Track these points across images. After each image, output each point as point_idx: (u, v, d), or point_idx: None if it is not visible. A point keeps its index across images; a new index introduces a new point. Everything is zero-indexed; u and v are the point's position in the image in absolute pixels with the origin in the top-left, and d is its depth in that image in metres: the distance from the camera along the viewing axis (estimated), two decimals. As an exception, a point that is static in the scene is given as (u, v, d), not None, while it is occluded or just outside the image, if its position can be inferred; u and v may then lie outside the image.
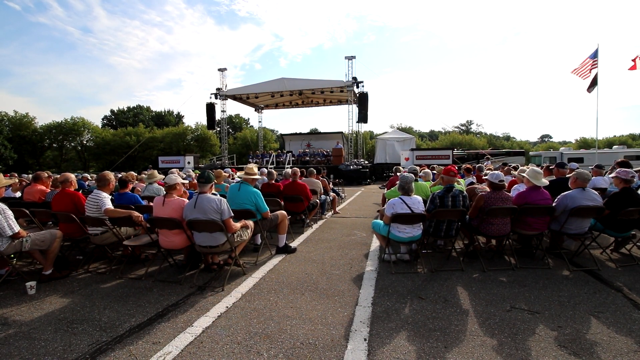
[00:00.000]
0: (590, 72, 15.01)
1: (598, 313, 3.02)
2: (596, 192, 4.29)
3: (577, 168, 5.28)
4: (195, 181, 5.45)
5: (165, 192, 4.21)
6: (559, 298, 3.34)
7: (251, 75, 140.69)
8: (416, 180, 5.54)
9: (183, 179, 6.04)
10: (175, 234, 3.97)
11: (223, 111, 26.35)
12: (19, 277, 4.01)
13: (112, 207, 4.29)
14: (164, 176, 7.13)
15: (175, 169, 8.02)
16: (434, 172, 6.93)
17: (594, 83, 14.98)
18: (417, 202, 4.22)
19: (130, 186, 5.66)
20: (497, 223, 4.24)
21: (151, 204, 4.86)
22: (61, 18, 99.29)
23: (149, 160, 39.53)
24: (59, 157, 46.98)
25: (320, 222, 7.41)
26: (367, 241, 5.71)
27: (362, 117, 21.76)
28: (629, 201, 4.21)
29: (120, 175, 5.95)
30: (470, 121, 73.32)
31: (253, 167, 5.06)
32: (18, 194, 7.08)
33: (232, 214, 3.90)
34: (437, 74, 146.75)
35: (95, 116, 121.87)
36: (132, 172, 7.42)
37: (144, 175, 7.04)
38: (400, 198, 4.26)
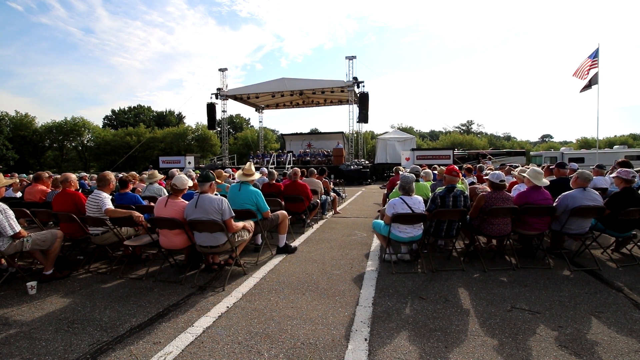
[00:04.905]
0: (587, 72, 15.03)
1: (599, 313, 3.02)
2: (597, 192, 4.29)
3: (578, 168, 5.28)
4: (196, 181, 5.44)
5: (170, 193, 4.20)
6: (560, 298, 3.34)
7: (252, 76, 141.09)
8: (417, 181, 5.53)
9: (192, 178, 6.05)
10: (176, 234, 3.97)
11: (224, 111, 26.37)
12: (25, 274, 4.04)
13: (113, 207, 4.30)
14: (164, 176, 7.16)
15: (175, 169, 8.02)
16: (435, 172, 6.92)
17: (591, 82, 14.98)
18: (417, 202, 4.22)
19: (131, 186, 5.66)
20: (497, 223, 4.23)
21: (152, 204, 4.88)
22: (63, 19, 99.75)
23: (149, 160, 39.56)
24: (60, 157, 47.01)
25: (320, 222, 7.40)
26: (368, 241, 5.70)
27: (363, 117, 21.75)
28: (629, 201, 4.20)
29: (120, 176, 5.95)
30: (471, 121, 73.32)
31: (251, 166, 5.04)
32: (19, 194, 7.10)
33: (234, 214, 3.90)
34: (437, 74, 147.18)
35: (96, 116, 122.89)
36: (134, 173, 7.42)
37: (144, 176, 7.04)
38: (400, 198, 4.26)
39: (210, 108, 25.24)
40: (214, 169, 8.73)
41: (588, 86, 15.11)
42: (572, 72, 15.50)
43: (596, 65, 14.80)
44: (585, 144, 50.52)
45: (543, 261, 4.38)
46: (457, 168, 4.63)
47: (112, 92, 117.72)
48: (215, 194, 3.94)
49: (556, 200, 4.32)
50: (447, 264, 4.40)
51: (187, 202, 4.06)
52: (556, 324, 2.84)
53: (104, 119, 58.54)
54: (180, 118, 60.05)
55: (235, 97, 26.14)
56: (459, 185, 4.48)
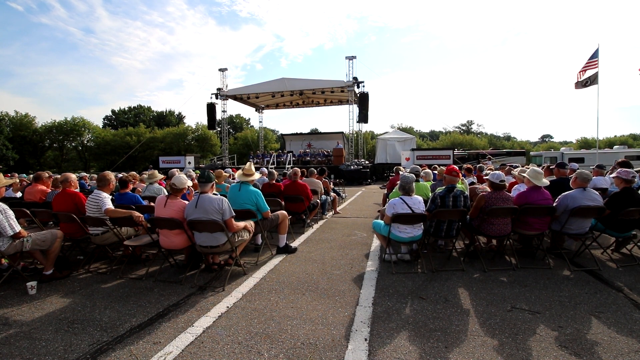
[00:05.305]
0: (585, 71, 15.08)
1: (599, 313, 3.02)
2: (597, 192, 4.29)
3: (578, 168, 5.28)
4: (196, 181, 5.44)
5: (169, 193, 4.20)
6: (560, 298, 3.34)
7: (252, 76, 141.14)
8: (417, 181, 5.54)
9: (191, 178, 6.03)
10: (176, 234, 3.97)
11: (224, 111, 26.37)
12: (26, 274, 4.06)
13: (113, 207, 4.30)
14: (164, 176, 7.16)
15: (176, 169, 8.01)
16: (435, 172, 6.92)
17: (590, 82, 15.00)
18: (417, 202, 4.22)
19: (131, 186, 5.66)
20: (497, 223, 4.23)
21: (152, 204, 4.88)
22: (63, 19, 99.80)
23: (149, 160, 39.54)
24: (60, 157, 47.00)
25: (320, 222, 7.40)
26: (368, 241, 5.70)
27: (363, 117, 21.75)
28: (629, 201, 4.20)
29: (120, 176, 5.95)
30: (471, 121, 73.34)
31: (251, 166, 5.04)
32: (19, 194, 7.10)
33: (234, 214, 3.90)
34: (437, 75, 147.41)
35: (96, 116, 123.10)
36: (134, 173, 7.42)
37: (144, 176, 7.04)
38: (400, 198, 4.26)
39: (210, 108, 25.23)
40: (214, 169, 8.74)
41: (584, 84, 15.13)
42: (573, 73, 15.61)
43: (596, 65, 14.82)
44: (585, 144, 50.53)
45: (543, 261, 4.38)
46: (457, 168, 4.63)
47: (112, 92, 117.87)
48: (215, 194, 3.94)
49: (556, 200, 4.32)
50: (447, 264, 4.40)
51: (186, 201, 4.06)
52: (556, 324, 2.84)
53: (104, 119, 58.57)
54: (180, 118, 60.04)
55: (235, 97, 26.13)
56: (459, 185, 4.48)
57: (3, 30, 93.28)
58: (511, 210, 4.16)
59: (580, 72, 15.29)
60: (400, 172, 6.38)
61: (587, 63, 15.01)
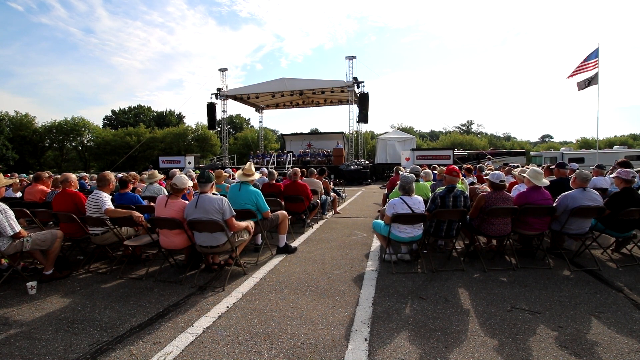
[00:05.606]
0: (578, 73, 15.09)
1: (599, 313, 3.02)
2: (597, 192, 4.29)
3: (578, 168, 5.28)
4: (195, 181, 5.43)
5: (169, 193, 4.20)
6: (560, 298, 3.34)
7: (252, 76, 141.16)
8: (417, 181, 5.53)
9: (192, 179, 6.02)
10: (176, 234, 3.97)
11: (224, 111, 26.36)
12: (26, 274, 4.07)
13: (113, 207, 4.30)
14: (164, 176, 7.16)
15: (177, 169, 8.02)
16: (435, 172, 6.92)
17: (589, 82, 14.99)
18: (417, 202, 4.22)
19: (131, 186, 5.66)
20: (497, 223, 4.24)
21: (152, 204, 4.88)
22: (63, 19, 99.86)
23: (149, 160, 39.52)
24: (60, 157, 46.98)
25: (320, 222, 7.41)
26: (368, 241, 5.70)
27: (363, 117, 21.75)
28: (629, 201, 4.20)
29: (120, 176, 5.95)
30: (471, 121, 73.36)
31: (251, 166, 5.03)
32: (19, 194, 7.10)
33: (234, 213, 3.90)
34: (437, 75, 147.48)
35: (96, 116, 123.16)
36: (134, 173, 7.41)
37: (144, 176, 7.04)
38: (400, 198, 4.26)
39: (210, 108, 25.23)
40: (214, 169, 8.74)
41: (586, 85, 15.12)
42: (569, 74, 15.51)
43: (596, 65, 14.81)
44: (585, 144, 50.51)
45: (543, 261, 4.38)
46: (457, 168, 4.63)
47: (112, 92, 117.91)
48: (215, 194, 3.94)
49: (556, 200, 4.32)
50: (447, 264, 4.40)
51: (186, 201, 4.06)
52: (556, 324, 2.84)
53: (104, 119, 58.54)
54: (180, 118, 60.00)
55: (235, 97, 26.13)
56: (459, 186, 4.48)
57: (3, 30, 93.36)
58: (511, 210, 4.16)
59: (572, 74, 15.28)
60: (400, 172, 6.38)
61: (580, 64, 15.00)
